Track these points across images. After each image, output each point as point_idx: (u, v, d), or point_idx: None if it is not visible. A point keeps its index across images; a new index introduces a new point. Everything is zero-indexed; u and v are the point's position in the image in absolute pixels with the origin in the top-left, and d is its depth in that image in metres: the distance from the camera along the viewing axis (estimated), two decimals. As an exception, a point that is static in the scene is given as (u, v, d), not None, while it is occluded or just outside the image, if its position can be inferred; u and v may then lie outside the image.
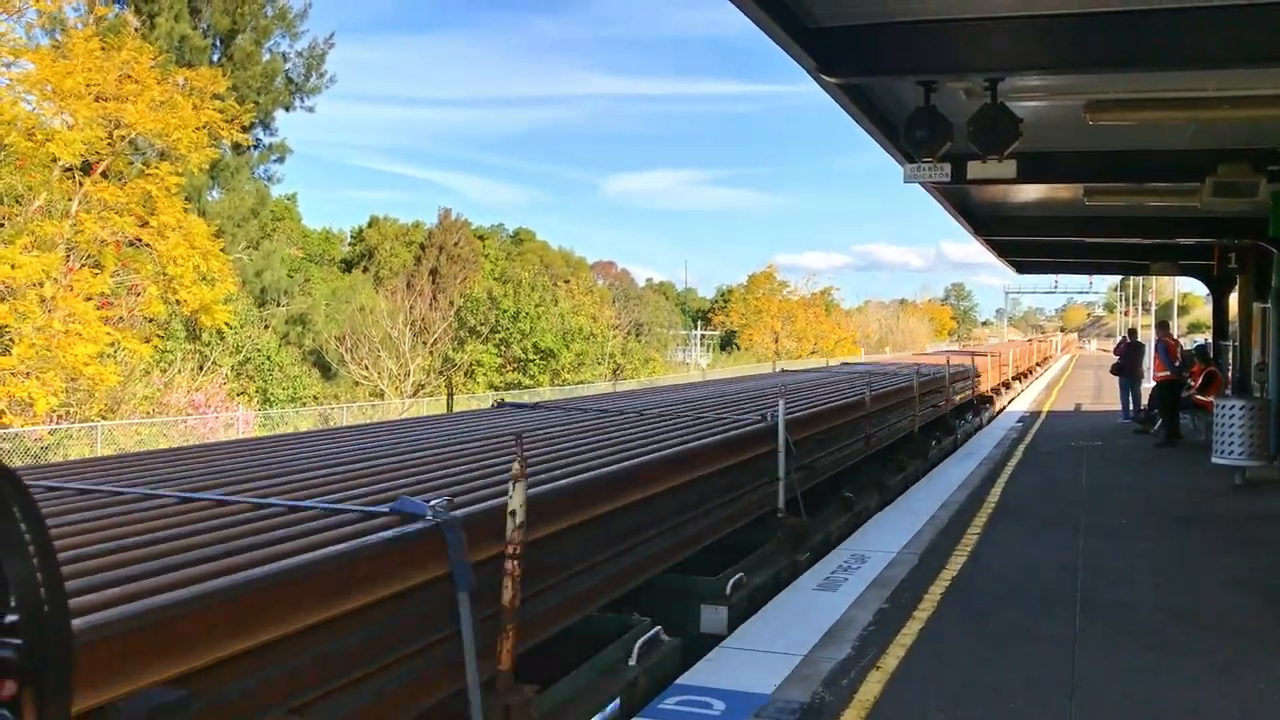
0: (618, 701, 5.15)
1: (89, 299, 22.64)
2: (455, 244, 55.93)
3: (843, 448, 10.61)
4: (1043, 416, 23.27)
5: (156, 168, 25.66)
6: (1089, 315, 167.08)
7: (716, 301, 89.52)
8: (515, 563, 4.37)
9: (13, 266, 20.91)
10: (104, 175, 25.00)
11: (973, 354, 27.48)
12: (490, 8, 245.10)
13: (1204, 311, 65.20)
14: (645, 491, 6.10)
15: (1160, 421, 17.62)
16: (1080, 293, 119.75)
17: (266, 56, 39.96)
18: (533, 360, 44.62)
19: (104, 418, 22.82)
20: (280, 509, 4.43)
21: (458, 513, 4.30)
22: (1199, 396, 17.20)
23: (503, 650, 4.34)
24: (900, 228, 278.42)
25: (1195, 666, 5.81)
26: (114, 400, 24.04)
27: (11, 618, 1.39)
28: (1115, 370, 22.00)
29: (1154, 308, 59.40)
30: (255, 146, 39.80)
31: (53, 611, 1.39)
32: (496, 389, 40.85)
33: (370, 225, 61.27)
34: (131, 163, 27.29)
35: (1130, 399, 21.38)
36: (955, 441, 17.30)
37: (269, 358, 35.15)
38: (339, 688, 3.58)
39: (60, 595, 1.40)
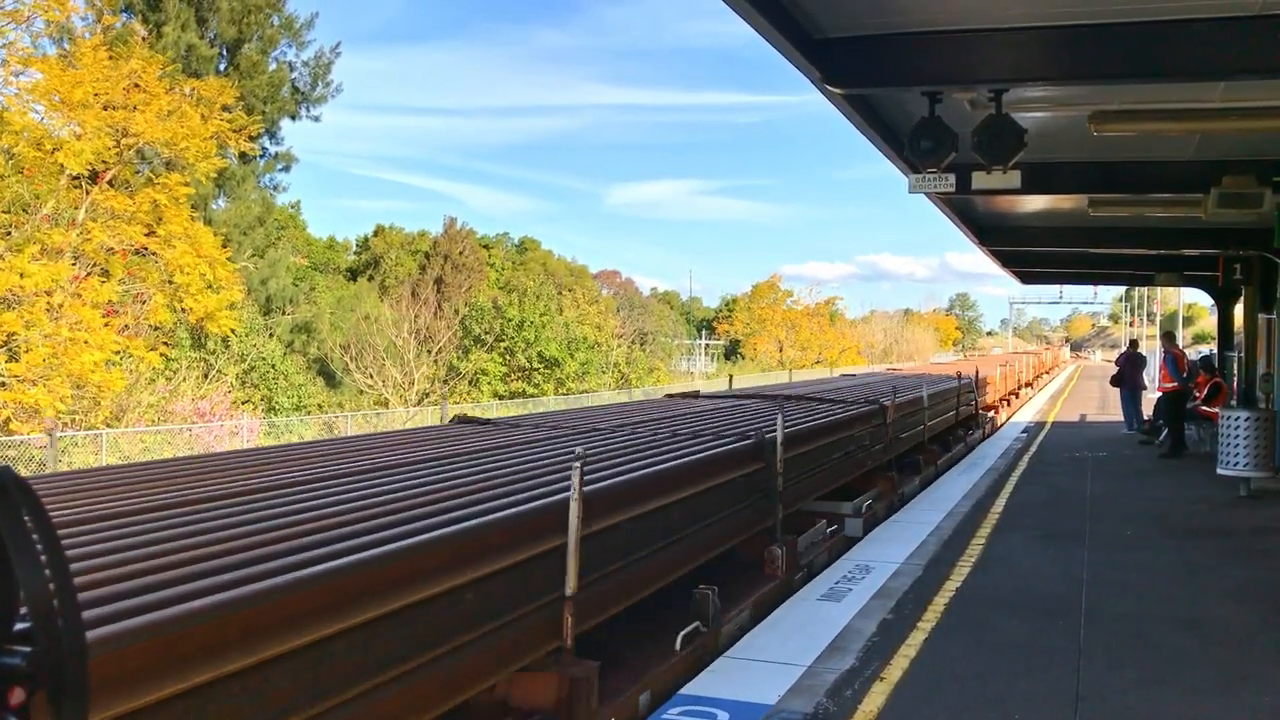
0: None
1: (96, 306, 22.71)
2: (460, 253, 56.01)
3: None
4: (1047, 427, 23.24)
5: (165, 177, 25.75)
6: (1094, 325, 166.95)
7: (721, 311, 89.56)
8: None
9: (21, 275, 20.99)
10: (111, 184, 25.09)
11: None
12: (494, 18, 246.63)
13: (1209, 322, 65.14)
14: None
15: (1165, 432, 17.60)
16: (1085, 303, 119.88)
17: (273, 66, 40.07)
18: (537, 369, 44.65)
19: (109, 425, 22.86)
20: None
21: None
22: (1204, 407, 17.17)
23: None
24: (905, 238, 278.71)
25: (1201, 679, 5.79)
26: (119, 408, 24.09)
27: (22, 625, 1.40)
28: (1115, 381, 22.01)
29: (1159, 318, 59.25)
30: (261, 155, 39.86)
31: (65, 619, 1.40)
32: (501, 398, 40.87)
33: (376, 234, 61.38)
34: (138, 172, 27.38)
35: (1134, 410, 21.35)
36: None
37: (274, 366, 35.20)
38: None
39: (73, 602, 1.40)
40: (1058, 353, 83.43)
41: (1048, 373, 54.08)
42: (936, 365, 34.86)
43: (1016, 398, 31.40)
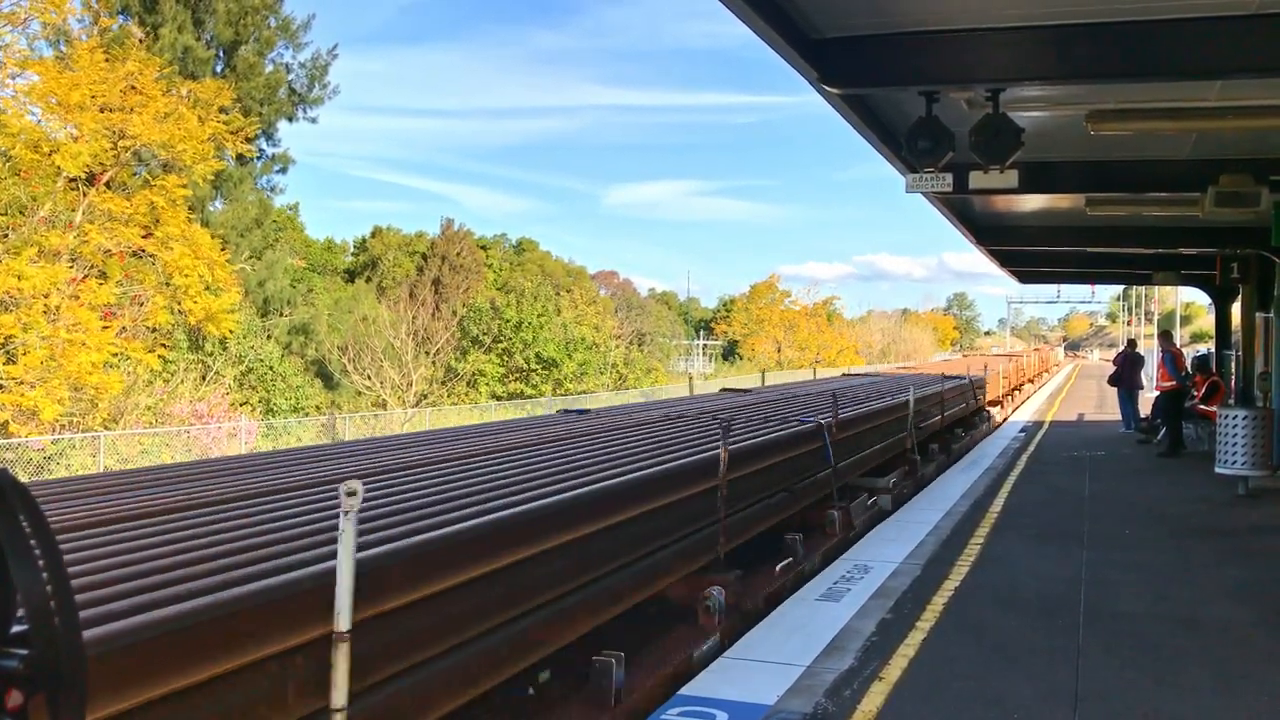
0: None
1: (93, 308, 22.69)
2: (458, 254, 55.99)
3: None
4: (1045, 426, 23.26)
5: (163, 179, 25.73)
6: (1091, 325, 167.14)
7: (719, 311, 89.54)
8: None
9: (19, 277, 20.97)
10: (108, 186, 25.07)
11: None
12: (490, 20, 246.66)
13: (1207, 321, 65.11)
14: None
15: (1163, 431, 17.61)
16: (1083, 302, 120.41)
17: (269, 67, 40.05)
18: (535, 370, 44.65)
19: (106, 428, 22.84)
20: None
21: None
22: (1202, 406, 17.19)
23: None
24: (902, 238, 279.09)
25: (1199, 678, 5.79)
26: (117, 410, 24.07)
27: (19, 628, 1.39)
28: (1112, 381, 22.05)
29: (1157, 317, 59.28)
30: (258, 157, 39.84)
31: (63, 621, 1.39)
32: (499, 399, 40.87)
33: (373, 235, 61.33)
34: (135, 174, 27.36)
35: (1131, 409, 21.37)
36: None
37: (272, 368, 35.17)
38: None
39: (70, 604, 1.39)
40: (1048, 354, 70.02)
41: (1031, 381, 42.00)
42: (849, 375, 24.92)
43: (976, 428, 21.60)
